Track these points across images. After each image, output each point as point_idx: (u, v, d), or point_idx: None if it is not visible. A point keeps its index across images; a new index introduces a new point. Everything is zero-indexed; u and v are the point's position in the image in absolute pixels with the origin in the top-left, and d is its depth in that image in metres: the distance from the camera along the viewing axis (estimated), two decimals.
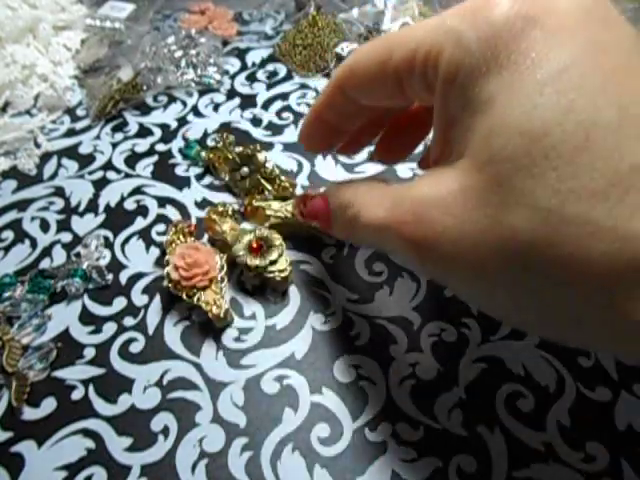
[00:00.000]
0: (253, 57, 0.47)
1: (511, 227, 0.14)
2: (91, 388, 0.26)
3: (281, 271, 0.28)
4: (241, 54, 0.48)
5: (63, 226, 0.33)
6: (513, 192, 0.14)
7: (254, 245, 0.29)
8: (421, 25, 0.18)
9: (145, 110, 0.42)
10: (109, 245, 0.32)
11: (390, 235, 0.18)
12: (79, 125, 0.41)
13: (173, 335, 0.28)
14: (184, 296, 0.27)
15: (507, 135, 0.14)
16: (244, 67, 0.46)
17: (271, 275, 0.28)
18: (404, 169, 0.36)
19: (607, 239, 0.13)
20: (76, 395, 0.26)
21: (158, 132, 0.40)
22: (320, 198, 0.24)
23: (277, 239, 0.29)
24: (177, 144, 0.39)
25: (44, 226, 0.34)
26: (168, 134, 0.40)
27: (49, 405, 0.25)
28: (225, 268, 0.29)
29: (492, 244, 0.15)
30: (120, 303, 0.29)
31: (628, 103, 0.14)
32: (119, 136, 0.40)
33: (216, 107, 0.42)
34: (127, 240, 0.32)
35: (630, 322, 0.13)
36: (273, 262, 0.28)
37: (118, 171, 0.37)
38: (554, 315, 0.15)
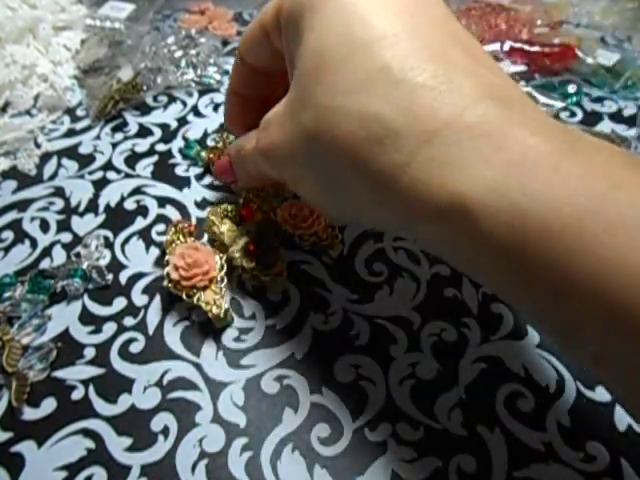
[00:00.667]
0: None
1: (304, 124, 0.20)
2: (91, 388, 0.26)
3: (277, 274, 0.28)
4: None
5: (63, 226, 0.33)
6: (307, 98, 0.20)
7: (251, 247, 0.29)
8: None
9: (145, 110, 0.42)
10: (109, 245, 0.32)
11: (256, 155, 0.24)
12: (79, 125, 0.41)
13: (173, 335, 0.28)
14: (184, 296, 0.27)
15: (308, 56, 0.20)
16: None
17: (267, 278, 0.28)
18: None
19: (353, 118, 0.18)
20: (76, 395, 0.25)
21: (158, 132, 0.40)
22: (225, 156, 0.30)
23: (274, 241, 0.29)
24: (177, 144, 0.39)
25: (44, 226, 0.34)
26: (168, 134, 0.40)
27: (49, 405, 0.25)
28: (225, 268, 0.29)
29: (297, 140, 0.20)
30: (120, 303, 0.29)
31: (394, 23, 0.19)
32: (119, 136, 0.40)
33: (216, 107, 0.42)
34: (127, 240, 0.32)
35: (378, 172, 0.18)
36: (269, 265, 0.28)
37: (118, 171, 0.37)
38: (341, 191, 0.20)
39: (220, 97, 0.43)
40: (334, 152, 0.19)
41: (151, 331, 0.28)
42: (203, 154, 0.36)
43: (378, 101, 0.17)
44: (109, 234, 0.33)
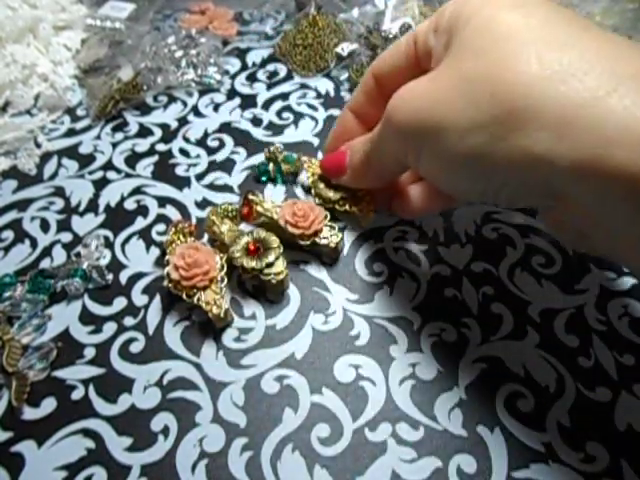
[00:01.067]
0: (253, 57, 0.47)
1: (466, 69, 0.21)
2: (91, 388, 0.26)
3: (277, 274, 0.28)
4: (241, 54, 0.48)
5: (63, 226, 0.33)
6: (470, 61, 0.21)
7: (251, 247, 0.29)
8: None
9: (145, 110, 0.42)
10: (109, 245, 0.32)
11: (388, 129, 0.25)
12: (79, 125, 0.41)
13: (173, 335, 0.28)
14: (184, 296, 0.27)
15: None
16: (244, 67, 0.46)
17: (267, 278, 0.28)
18: None
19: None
20: (76, 395, 0.26)
21: (158, 132, 0.40)
22: (338, 151, 0.30)
23: (274, 241, 0.29)
24: (177, 144, 0.39)
25: (44, 226, 0.34)
26: (168, 134, 0.40)
27: (49, 405, 0.25)
28: (225, 268, 0.29)
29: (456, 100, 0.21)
30: (120, 303, 0.29)
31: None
32: (119, 136, 0.40)
33: (216, 107, 0.42)
34: (127, 240, 0.32)
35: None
36: (269, 264, 0.28)
37: (118, 171, 0.37)
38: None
39: (220, 97, 0.43)
40: None
41: (151, 331, 0.28)
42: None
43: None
44: (109, 234, 0.33)
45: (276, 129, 0.40)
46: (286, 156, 0.35)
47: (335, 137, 0.32)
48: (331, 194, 0.32)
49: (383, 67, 0.28)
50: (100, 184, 0.36)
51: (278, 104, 0.42)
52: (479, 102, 0.20)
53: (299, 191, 0.35)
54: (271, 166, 0.35)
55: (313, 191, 0.32)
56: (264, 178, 0.35)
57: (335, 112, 0.41)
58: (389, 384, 0.25)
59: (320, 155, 0.37)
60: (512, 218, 0.32)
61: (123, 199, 0.35)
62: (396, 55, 0.27)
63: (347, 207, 0.31)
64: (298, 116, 0.41)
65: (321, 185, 0.32)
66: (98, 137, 0.40)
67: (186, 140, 0.39)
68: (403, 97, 0.23)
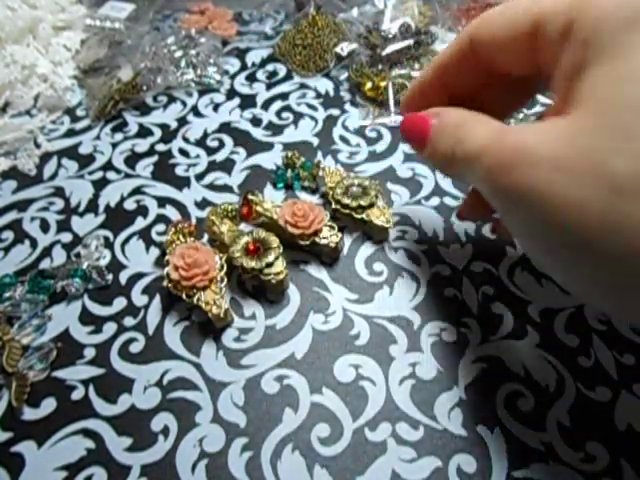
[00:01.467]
0: (253, 57, 0.47)
1: (612, 171, 0.15)
2: (91, 388, 0.26)
3: (277, 274, 0.28)
4: (241, 54, 0.48)
5: (63, 226, 0.33)
6: (628, 138, 0.15)
7: (251, 247, 0.29)
8: None
9: (145, 110, 0.42)
10: (109, 245, 0.32)
11: (479, 164, 0.19)
12: (79, 125, 0.41)
13: (173, 335, 0.28)
14: (184, 296, 0.27)
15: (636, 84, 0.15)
16: (244, 67, 0.46)
17: (267, 278, 0.28)
18: (404, 169, 0.36)
19: None
20: (76, 395, 0.26)
21: (158, 132, 0.40)
22: (424, 115, 0.23)
23: (274, 241, 0.29)
24: (177, 144, 0.39)
25: (44, 226, 0.34)
26: (168, 134, 0.40)
27: (49, 405, 0.25)
28: (225, 268, 0.29)
29: (589, 184, 0.15)
30: (120, 303, 0.29)
31: None
32: (119, 136, 0.40)
33: (216, 107, 0.42)
34: (127, 240, 0.32)
35: None
36: (269, 264, 0.28)
37: (118, 171, 0.37)
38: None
39: (220, 97, 0.43)
40: None
41: (151, 331, 0.28)
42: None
43: None
44: (109, 234, 0.33)
45: (276, 129, 0.40)
46: (304, 162, 0.35)
47: (412, 94, 0.27)
48: (349, 201, 0.31)
49: (486, 35, 0.22)
50: (100, 184, 0.36)
51: (278, 104, 0.42)
52: None
53: (316, 198, 0.35)
54: (289, 172, 0.35)
55: (331, 197, 0.32)
56: (281, 185, 0.35)
57: (335, 112, 0.41)
58: (389, 384, 0.25)
59: (320, 155, 0.37)
60: None
61: (123, 199, 0.35)
62: (509, 25, 0.21)
63: (364, 216, 0.31)
64: (298, 116, 0.41)
65: (339, 191, 0.32)
66: (98, 137, 0.40)
67: (186, 140, 0.39)
68: (523, 157, 0.17)
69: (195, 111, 0.42)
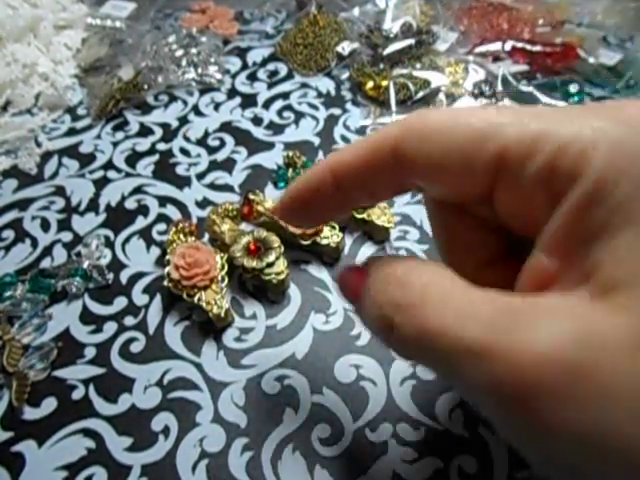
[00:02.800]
0: (254, 56, 0.47)
1: None
2: (91, 388, 0.26)
3: (278, 274, 0.28)
4: (242, 53, 0.48)
5: (64, 225, 0.33)
6: None
7: (252, 247, 0.29)
8: (527, 113, 0.14)
9: (146, 109, 0.42)
10: (110, 244, 0.32)
11: (484, 365, 0.12)
12: (80, 124, 0.41)
13: (173, 335, 0.28)
14: (185, 296, 0.27)
15: None
16: (245, 66, 0.46)
17: (268, 277, 0.28)
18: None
19: None
20: (76, 395, 0.25)
21: (159, 131, 0.40)
22: (357, 270, 0.18)
23: (275, 241, 0.29)
24: (178, 143, 0.39)
25: (45, 225, 0.33)
26: (169, 133, 0.40)
27: (49, 405, 0.25)
28: (226, 268, 0.28)
29: None
30: (121, 303, 0.29)
31: None
32: (120, 135, 0.40)
33: (217, 106, 0.42)
34: (128, 239, 0.32)
35: None
36: (270, 264, 0.28)
37: (119, 170, 0.37)
38: None
39: (221, 96, 0.43)
40: None
41: (151, 331, 0.28)
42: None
43: None
44: (110, 233, 0.33)
45: (277, 128, 0.40)
46: (305, 162, 0.35)
47: (294, 194, 0.19)
48: None
49: (418, 152, 0.16)
50: (101, 183, 0.36)
51: (279, 103, 0.42)
52: None
53: None
54: (290, 172, 0.35)
55: None
56: (282, 184, 0.35)
57: (336, 111, 0.41)
58: (390, 384, 0.25)
59: (321, 154, 0.37)
60: None
61: (124, 198, 0.35)
62: (456, 150, 0.15)
63: (365, 216, 0.31)
64: (299, 115, 0.41)
65: None
66: (99, 136, 0.40)
67: (187, 139, 0.39)
68: (575, 382, 0.11)
69: (196, 110, 0.42)
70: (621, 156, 0.12)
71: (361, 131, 0.39)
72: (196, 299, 0.27)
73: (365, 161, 0.17)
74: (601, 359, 0.11)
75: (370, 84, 0.41)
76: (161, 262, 0.31)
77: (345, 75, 0.44)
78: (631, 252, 0.12)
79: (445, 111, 0.16)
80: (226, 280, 0.28)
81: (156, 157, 0.38)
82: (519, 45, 0.44)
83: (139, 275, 0.30)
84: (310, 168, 0.18)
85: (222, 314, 0.27)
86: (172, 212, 0.34)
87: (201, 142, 0.39)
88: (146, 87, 0.43)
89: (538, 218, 0.14)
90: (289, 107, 0.41)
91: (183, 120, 0.41)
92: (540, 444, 0.12)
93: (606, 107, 0.14)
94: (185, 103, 0.42)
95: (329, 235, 0.30)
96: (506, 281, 0.15)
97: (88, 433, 0.24)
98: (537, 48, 0.43)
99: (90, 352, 0.27)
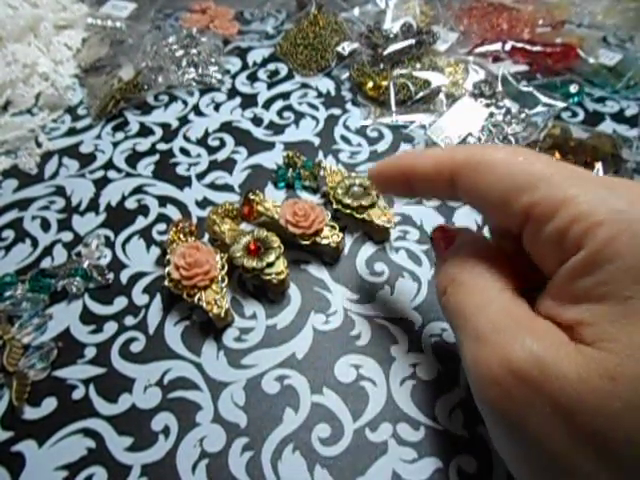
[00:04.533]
0: (254, 56, 0.47)
1: None
2: (92, 388, 0.26)
3: (278, 274, 0.28)
4: (242, 53, 0.48)
5: (64, 225, 0.33)
6: None
7: (252, 247, 0.29)
8: (564, 173, 0.17)
9: (146, 109, 0.42)
10: (110, 244, 0.32)
11: (480, 349, 0.17)
12: (80, 124, 0.41)
13: (174, 335, 0.28)
14: (185, 296, 0.27)
15: None
16: (245, 66, 0.46)
17: (268, 277, 0.28)
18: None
19: None
20: (77, 395, 0.25)
21: (159, 131, 0.40)
22: (451, 235, 0.23)
23: (275, 241, 0.29)
24: (178, 143, 0.39)
25: (45, 225, 0.34)
26: (169, 133, 0.40)
27: (50, 404, 0.25)
28: (226, 268, 0.28)
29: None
30: (121, 302, 0.29)
31: None
32: (120, 135, 0.40)
33: (217, 106, 0.42)
34: (128, 239, 0.32)
35: None
36: (270, 264, 0.28)
37: (119, 170, 0.37)
38: None
39: (221, 96, 0.43)
40: None
41: (152, 331, 0.28)
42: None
43: None
44: (110, 233, 0.33)
45: (277, 128, 0.40)
46: (305, 162, 0.35)
47: (391, 165, 0.23)
48: (350, 201, 0.31)
49: (470, 186, 0.19)
50: (101, 183, 0.36)
51: (279, 103, 0.42)
52: None
53: (317, 198, 0.35)
54: (290, 172, 0.35)
55: (332, 197, 0.32)
56: (282, 184, 0.35)
57: (336, 111, 0.41)
58: (390, 384, 0.25)
59: (321, 154, 0.37)
60: None
61: (124, 198, 0.35)
62: (498, 193, 0.18)
63: (365, 216, 0.31)
64: (299, 115, 0.41)
65: (340, 191, 0.32)
66: (99, 136, 0.40)
67: (187, 139, 0.39)
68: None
69: (196, 110, 0.42)
70: (620, 238, 0.15)
71: (361, 131, 0.39)
72: (196, 299, 0.27)
73: (429, 176, 0.21)
74: (554, 380, 0.15)
75: (370, 84, 0.41)
76: (161, 262, 0.31)
77: (345, 75, 0.44)
78: (603, 318, 0.15)
79: (501, 153, 0.19)
80: (226, 280, 0.28)
81: (156, 157, 0.38)
82: (519, 45, 0.44)
83: (139, 275, 0.30)
84: (391, 160, 0.23)
85: (222, 314, 0.27)
86: (172, 212, 0.34)
87: (201, 142, 0.39)
88: (146, 87, 0.43)
89: (549, 267, 0.17)
90: (289, 107, 0.41)
91: (183, 120, 0.41)
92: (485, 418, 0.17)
93: (633, 188, 0.16)
94: (185, 103, 0.42)
95: (329, 235, 0.30)
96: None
97: (88, 433, 0.24)
98: (537, 48, 0.43)
99: (90, 352, 0.27)
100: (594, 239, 0.15)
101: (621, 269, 0.14)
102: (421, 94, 0.40)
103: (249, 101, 0.42)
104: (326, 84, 0.44)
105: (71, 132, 0.41)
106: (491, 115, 0.38)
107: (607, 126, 0.39)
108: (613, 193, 0.16)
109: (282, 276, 0.28)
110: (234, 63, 0.47)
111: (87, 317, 0.29)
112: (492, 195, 0.18)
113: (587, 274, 0.15)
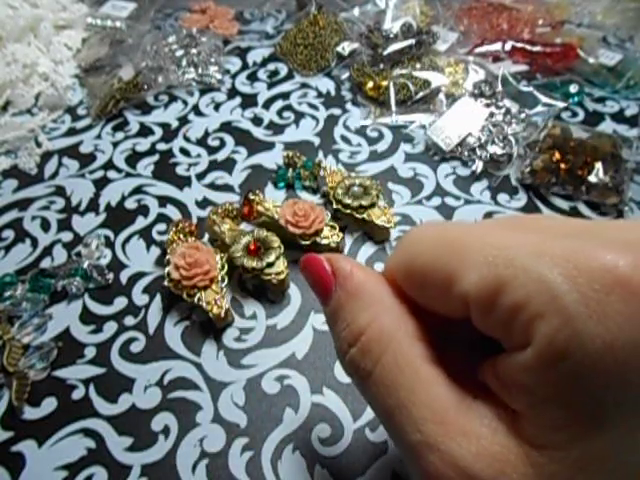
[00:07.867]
0: (254, 56, 0.47)
1: None
2: (92, 388, 0.26)
3: (278, 274, 0.28)
4: (242, 53, 0.48)
5: (64, 225, 0.33)
6: None
7: (252, 247, 0.29)
8: (493, 251, 0.14)
9: (146, 109, 0.42)
10: (110, 244, 0.32)
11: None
12: (80, 124, 0.41)
13: (174, 335, 0.28)
14: (185, 296, 0.27)
15: None
16: (245, 66, 0.46)
17: (268, 277, 0.28)
18: (406, 169, 0.36)
19: None
20: (77, 395, 0.25)
21: (159, 131, 0.40)
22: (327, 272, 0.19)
23: (275, 241, 0.29)
24: (178, 143, 0.39)
25: (45, 225, 0.33)
26: (169, 133, 0.40)
27: (50, 405, 0.25)
28: (226, 268, 0.28)
29: None
30: (121, 302, 0.29)
31: None
32: (120, 135, 0.40)
33: (217, 106, 0.42)
34: (128, 239, 0.32)
35: None
36: (270, 264, 0.28)
37: (119, 170, 0.37)
38: None
39: (221, 96, 0.43)
40: None
41: (152, 331, 0.28)
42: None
43: None
44: (110, 233, 0.33)
45: (277, 128, 0.40)
46: (305, 162, 0.35)
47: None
48: (350, 201, 0.31)
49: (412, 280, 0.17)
50: (101, 183, 0.36)
51: (279, 103, 0.42)
52: None
53: (317, 198, 0.35)
54: (290, 172, 0.35)
55: (332, 197, 0.32)
56: (282, 184, 0.35)
57: (336, 111, 0.41)
58: None
59: (321, 154, 0.37)
60: None
61: (124, 198, 0.35)
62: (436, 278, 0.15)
63: (365, 216, 0.31)
64: (299, 115, 0.41)
65: (340, 191, 0.32)
66: (99, 136, 0.40)
67: (187, 139, 0.39)
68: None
69: (196, 110, 0.42)
70: (560, 336, 0.12)
71: (361, 131, 0.39)
72: (196, 299, 0.27)
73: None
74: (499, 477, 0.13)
75: (370, 84, 0.41)
76: (161, 262, 0.31)
77: (345, 75, 0.44)
78: (545, 423, 0.13)
79: (426, 243, 0.16)
80: (226, 280, 0.28)
81: (156, 157, 0.38)
82: (519, 45, 0.44)
83: (139, 275, 0.30)
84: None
85: (222, 314, 0.27)
86: (172, 212, 0.34)
87: (201, 142, 0.39)
88: (146, 87, 0.43)
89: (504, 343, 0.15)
90: (289, 107, 0.41)
91: (183, 120, 0.41)
92: None
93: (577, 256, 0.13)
94: (185, 103, 0.42)
95: (329, 235, 0.30)
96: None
97: (88, 433, 0.24)
98: (537, 48, 0.43)
99: (90, 352, 0.27)
100: (538, 335, 0.13)
101: (560, 376, 0.13)
102: (421, 94, 0.40)
103: (249, 101, 0.42)
104: (326, 84, 0.44)
105: (71, 132, 0.41)
106: (491, 115, 0.38)
107: (607, 126, 0.39)
108: (542, 259, 0.13)
109: (282, 276, 0.28)
110: (234, 63, 0.47)
111: (87, 317, 0.29)
112: (429, 292, 0.16)
113: (535, 374, 0.13)
